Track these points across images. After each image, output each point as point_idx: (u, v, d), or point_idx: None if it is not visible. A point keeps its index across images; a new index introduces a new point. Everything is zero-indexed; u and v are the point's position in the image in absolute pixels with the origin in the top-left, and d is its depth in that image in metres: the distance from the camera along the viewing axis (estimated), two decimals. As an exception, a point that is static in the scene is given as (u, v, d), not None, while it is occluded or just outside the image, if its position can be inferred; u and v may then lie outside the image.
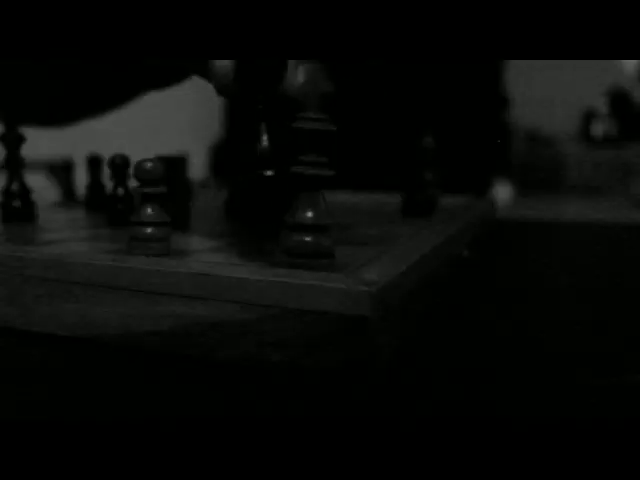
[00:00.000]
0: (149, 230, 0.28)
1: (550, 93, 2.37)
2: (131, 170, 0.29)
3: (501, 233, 0.52)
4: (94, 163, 0.45)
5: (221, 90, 0.30)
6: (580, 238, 0.54)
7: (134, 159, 0.29)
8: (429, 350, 0.27)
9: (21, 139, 0.38)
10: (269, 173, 0.33)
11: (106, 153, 0.41)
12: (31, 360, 0.26)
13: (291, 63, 0.29)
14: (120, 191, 0.38)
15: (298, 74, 0.29)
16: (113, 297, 0.27)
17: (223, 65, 0.29)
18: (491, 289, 0.38)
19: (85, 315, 0.28)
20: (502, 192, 1.82)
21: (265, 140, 0.31)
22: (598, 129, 2.26)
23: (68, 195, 0.49)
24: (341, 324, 0.23)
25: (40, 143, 0.59)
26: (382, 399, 0.23)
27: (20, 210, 0.38)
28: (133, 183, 0.29)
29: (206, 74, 0.30)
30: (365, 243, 0.31)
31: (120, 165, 0.38)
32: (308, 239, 0.24)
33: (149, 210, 0.28)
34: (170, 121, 1.86)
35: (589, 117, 2.28)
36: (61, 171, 0.50)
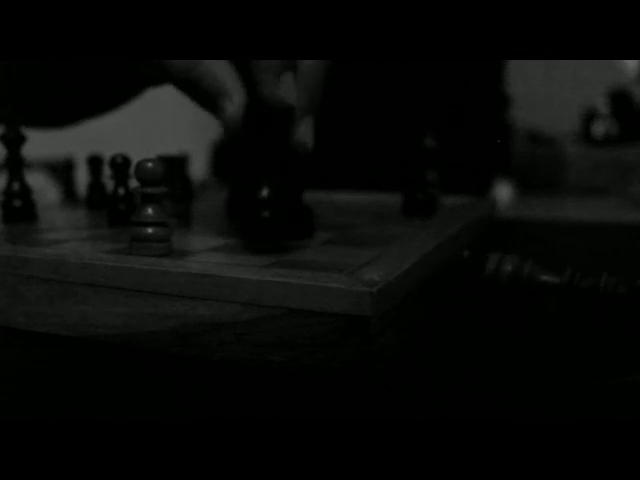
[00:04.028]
0: (150, 230, 0.28)
1: (550, 93, 2.36)
2: (132, 170, 0.29)
3: (501, 233, 0.52)
4: (95, 163, 0.45)
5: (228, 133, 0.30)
6: (580, 238, 0.54)
7: (135, 159, 0.29)
8: (429, 350, 0.27)
9: (22, 139, 0.38)
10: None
11: (107, 153, 0.41)
12: (31, 360, 0.27)
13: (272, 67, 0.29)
14: (121, 191, 0.38)
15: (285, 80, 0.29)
16: (113, 297, 0.27)
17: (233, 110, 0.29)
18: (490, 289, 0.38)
19: (85, 315, 0.28)
20: (502, 192, 1.82)
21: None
22: (599, 129, 2.26)
23: (69, 195, 0.49)
24: (342, 324, 0.23)
25: (41, 143, 0.59)
26: (382, 399, 0.23)
27: (21, 210, 0.38)
28: (134, 183, 0.29)
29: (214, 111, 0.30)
30: (365, 243, 0.31)
31: (121, 165, 0.38)
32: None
33: (150, 210, 0.28)
34: (171, 121, 1.86)
35: (590, 117, 2.28)
36: (62, 171, 0.50)
